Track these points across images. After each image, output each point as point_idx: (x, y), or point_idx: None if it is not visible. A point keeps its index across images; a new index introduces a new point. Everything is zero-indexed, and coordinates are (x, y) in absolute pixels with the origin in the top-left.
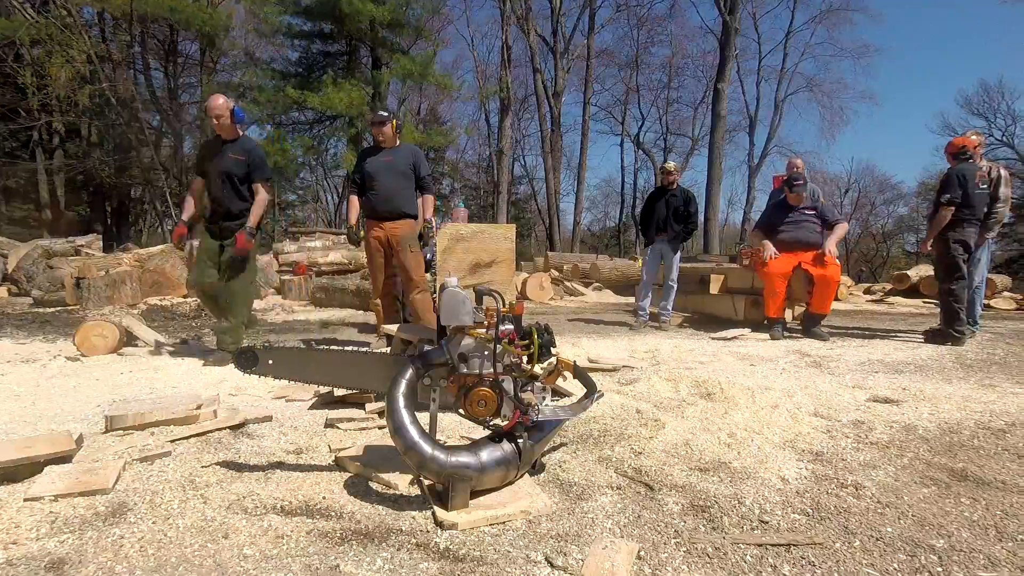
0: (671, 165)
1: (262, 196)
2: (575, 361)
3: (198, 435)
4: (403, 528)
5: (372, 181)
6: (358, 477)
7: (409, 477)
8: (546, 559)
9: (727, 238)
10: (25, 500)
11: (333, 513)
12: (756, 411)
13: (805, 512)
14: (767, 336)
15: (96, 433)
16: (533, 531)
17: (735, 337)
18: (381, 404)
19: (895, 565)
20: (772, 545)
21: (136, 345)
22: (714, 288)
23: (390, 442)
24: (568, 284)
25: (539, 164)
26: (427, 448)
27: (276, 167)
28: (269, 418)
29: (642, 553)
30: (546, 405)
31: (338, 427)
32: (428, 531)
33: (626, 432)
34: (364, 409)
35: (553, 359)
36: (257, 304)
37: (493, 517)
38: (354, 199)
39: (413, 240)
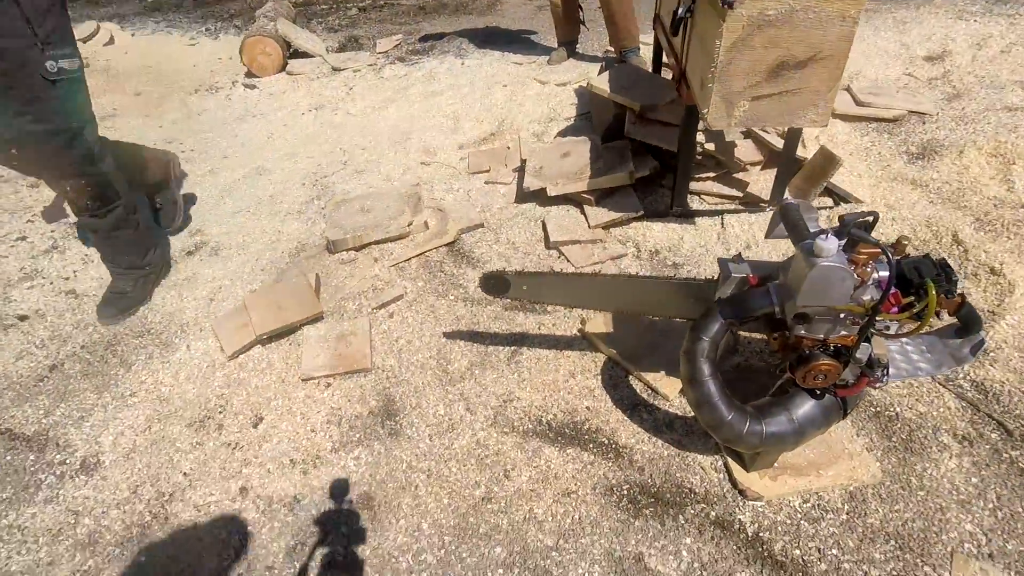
0: None
1: None
2: (962, 292)
3: (418, 256)
4: (696, 490)
5: None
6: (615, 364)
7: (675, 382)
8: None
9: None
10: (303, 380)
11: (607, 445)
12: None
13: None
14: None
15: (318, 245)
16: (862, 521)
17: None
18: (606, 215)
19: None
20: None
21: (302, 55)
22: None
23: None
24: None
25: None
26: (740, 424)
27: None
28: (480, 226)
29: None
30: (902, 357)
31: (563, 253)
32: (726, 498)
33: None
34: (585, 216)
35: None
36: None
37: (805, 489)
38: None
39: None
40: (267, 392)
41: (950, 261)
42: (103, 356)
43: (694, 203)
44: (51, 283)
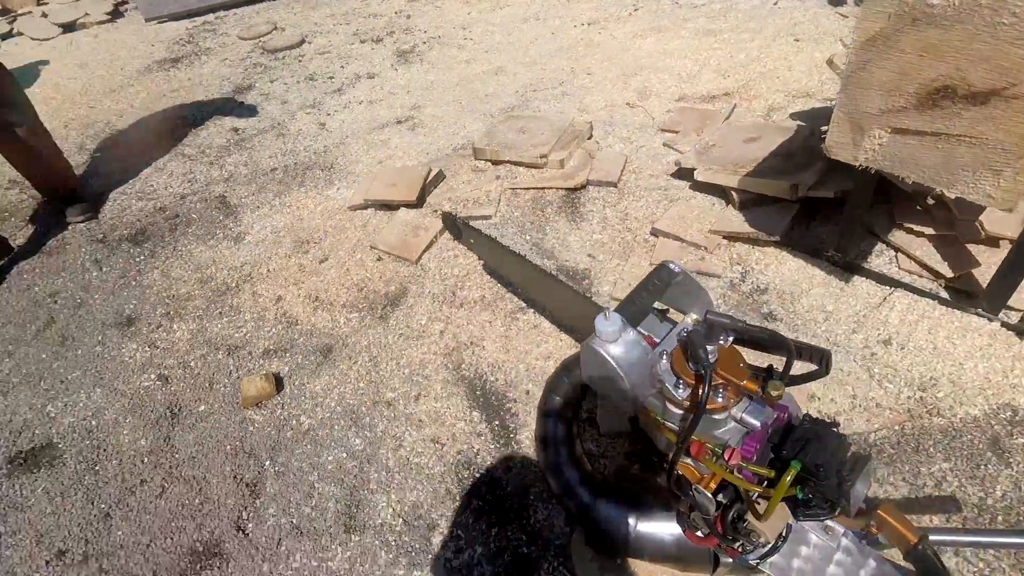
0: None
1: None
2: (922, 535)
3: (536, 189)
4: (533, 520)
5: None
6: None
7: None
8: None
9: None
10: (371, 248)
11: (507, 430)
12: None
13: None
14: None
15: (468, 151)
16: None
17: None
18: (737, 224)
19: None
20: None
21: None
22: None
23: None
24: None
25: None
26: (570, 473)
27: None
28: (612, 185)
29: None
30: (815, 556)
31: (656, 244)
32: (547, 550)
33: None
34: (734, 208)
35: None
36: None
37: None
38: None
39: None
40: (347, 243)
41: None
42: (297, 174)
43: (880, 257)
44: (317, 113)
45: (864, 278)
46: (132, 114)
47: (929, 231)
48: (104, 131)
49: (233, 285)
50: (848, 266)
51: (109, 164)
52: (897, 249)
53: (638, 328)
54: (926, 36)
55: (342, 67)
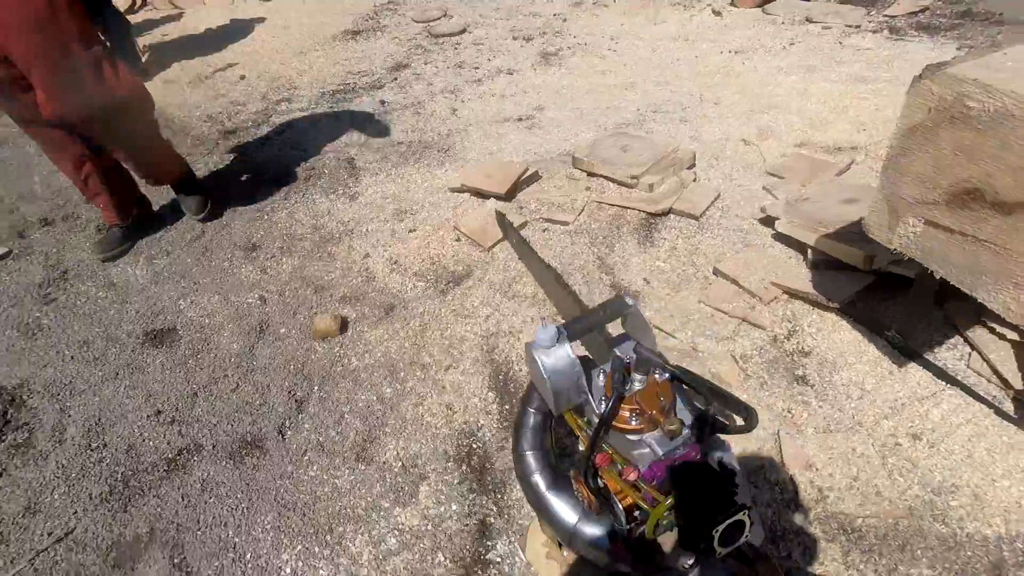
0: None
1: None
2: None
3: (620, 207)
4: (505, 503)
5: None
6: None
7: None
8: None
9: None
10: (454, 228)
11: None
12: None
13: None
14: None
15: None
16: None
17: None
18: (800, 281)
19: None
20: None
21: None
22: None
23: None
24: None
25: None
26: (529, 469)
27: None
28: (695, 218)
29: None
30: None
31: (711, 283)
32: (505, 534)
33: None
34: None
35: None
36: None
37: None
38: None
39: None
40: (436, 220)
41: None
42: (417, 150)
43: (951, 351)
44: (454, 100)
45: (920, 367)
46: (309, 74)
47: (1012, 336)
48: (285, 86)
49: (336, 236)
50: (906, 351)
51: (280, 116)
52: (973, 347)
53: (614, 348)
54: (962, 136)
55: (488, 60)
